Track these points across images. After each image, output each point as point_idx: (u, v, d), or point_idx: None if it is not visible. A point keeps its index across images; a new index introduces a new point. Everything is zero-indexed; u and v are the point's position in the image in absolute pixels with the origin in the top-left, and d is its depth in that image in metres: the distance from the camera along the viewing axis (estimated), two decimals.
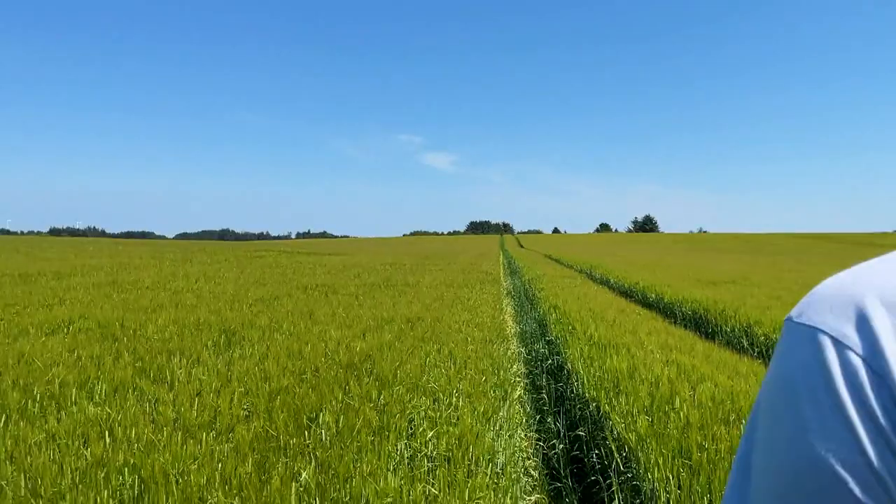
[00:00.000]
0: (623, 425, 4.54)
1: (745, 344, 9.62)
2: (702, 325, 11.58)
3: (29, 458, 3.43)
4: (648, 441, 4.12)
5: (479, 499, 3.24)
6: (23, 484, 3.12)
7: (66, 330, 7.84)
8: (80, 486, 3.05)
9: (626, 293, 17.30)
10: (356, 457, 3.51)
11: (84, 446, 3.66)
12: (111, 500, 2.89)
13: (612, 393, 5.34)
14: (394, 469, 3.46)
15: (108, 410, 4.32)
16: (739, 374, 6.06)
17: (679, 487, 3.57)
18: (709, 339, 9.79)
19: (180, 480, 3.10)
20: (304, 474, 3.18)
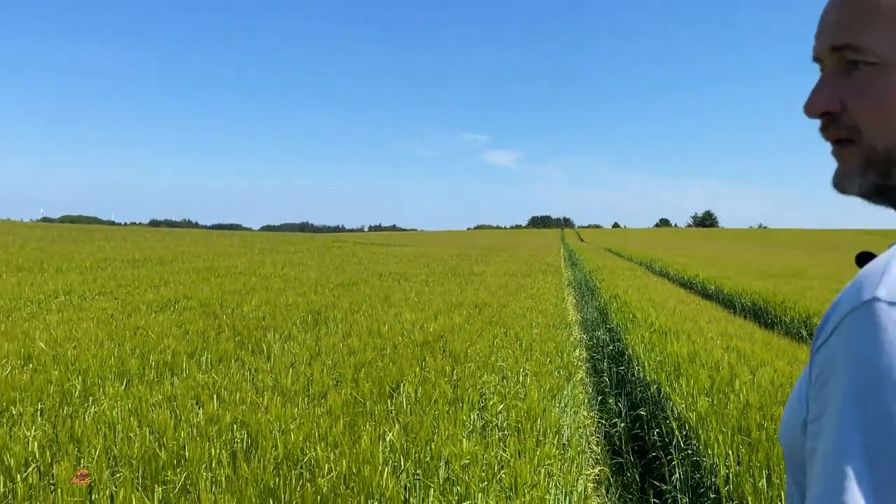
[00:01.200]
0: (684, 405, 4.54)
1: (805, 334, 9.36)
2: (761, 315, 11.31)
3: (151, 415, 3.70)
4: (708, 420, 4.12)
5: (548, 465, 3.32)
6: (148, 436, 3.38)
7: (172, 308, 8.29)
8: (198, 438, 3.28)
9: (686, 285, 16.97)
10: (435, 423, 3.65)
11: (197, 405, 3.93)
12: (223, 451, 3.12)
13: (672, 376, 5.33)
14: (468, 435, 3.58)
15: (215, 377, 4.60)
16: (799, 361, 5.95)
17: (738, 463, 3.57)
18: (768, 328, 9.56)
19: (283, 436, 3.30)
20: (389, 435, 3.34)
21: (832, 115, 0.71)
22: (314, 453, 3.07)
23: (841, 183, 0.72)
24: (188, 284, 11.21)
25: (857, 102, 0.69)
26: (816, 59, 0.75)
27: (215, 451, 3.11)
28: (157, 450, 3.16)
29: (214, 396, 4.09)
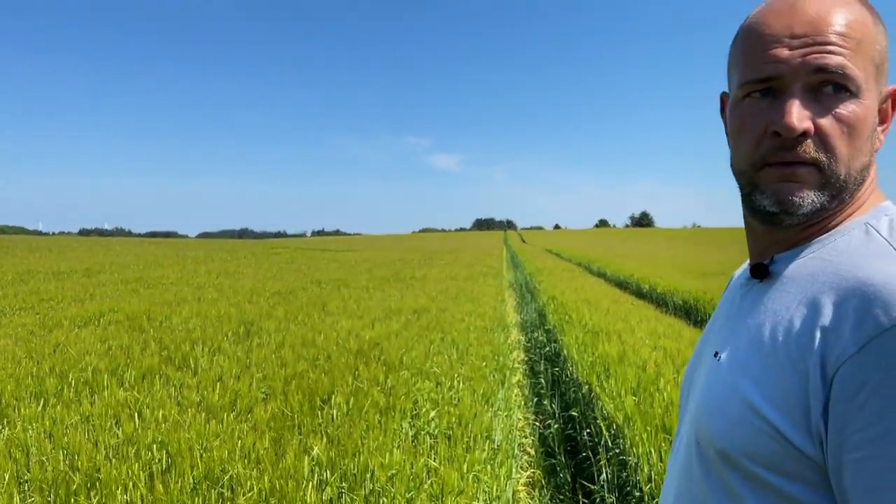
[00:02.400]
0: (612, 405, 4.64)
1: None
2: (692, 313, 11.66)
3: (66, 436, 3.56)
4: (634, 419, 4.23)
5: (476, 471, 3.35)
6: (61, 459, 3.25)
7: (97, 322, 7.99)
8: (114, 460, 3.18)
9: (622, 285, 17.37)
10: (364, 434, 3.63)
11: (116, 426, 3.80)
12: (142, 472, 3.02)
13: (602, 376, 5.44)
14: (399, 445, 3.58)
15: (137, 395, 4.46)
16: None
17: (661, 460, 3.67)
18: (697, 326, 9.87)
19: (204, 455, 3.23)
20: (315, 449, 3.30)
21: (806, 134, 0.73)
22: (236, 471, 3.01)
23: (794, 200, 0.75)
24: (115, 297, 10.83)
25: (832, 127, 0.73)
26: (778, 76, 0.75)
27: (132, 472, 3.02)
28: (71, 473, 3.05)
29: (135, 415, 3.96)
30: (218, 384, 4.65)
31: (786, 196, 0.75)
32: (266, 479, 2.90)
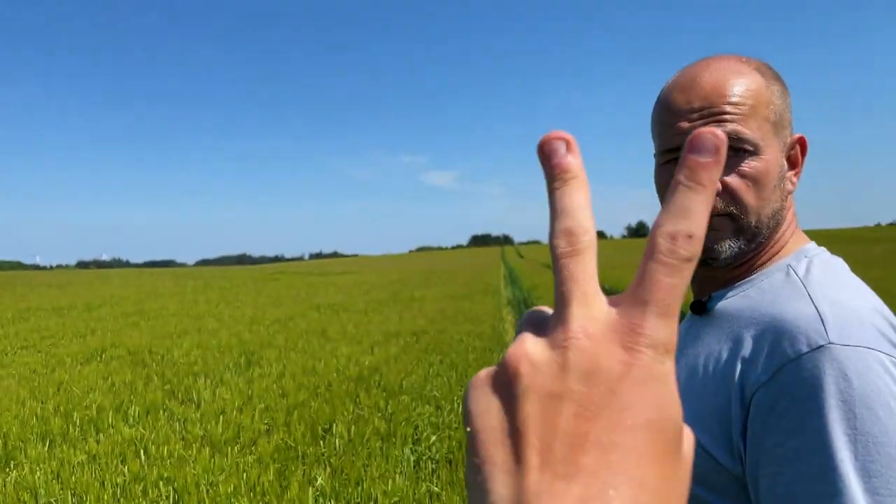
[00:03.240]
0: None
1: None
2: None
3: (73, 477, 3.62)
4: None
5: None
6: (69, 500, 3.31)
7: (99, 358, 8.04)
8: (122, 499, 3.23)
9: None
10: (367, 462, 3.69)
11: (122, 464, 3.85)
12: None
13: None
14: (401, 472, 3.64)
15: (142, 431, 4.51)
16: None
17: None
18: None
19: (210, 490, 3.29)
20: (319, 479, 3.36)
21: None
22: None
23: (714, 248, 0.85)
24: (116, 331, 10.88)
25: (738, 183, 0.84)
26: (682, 145, 0.84)
27: None
28: None
29: (141, 452, 4.02)
30: (221, 417, 4.71)
31: (708, 245, 0.85)
32: None
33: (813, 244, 0.91)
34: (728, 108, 0.84)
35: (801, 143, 0.91)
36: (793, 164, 0.91)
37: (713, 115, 0.84)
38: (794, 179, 0.91)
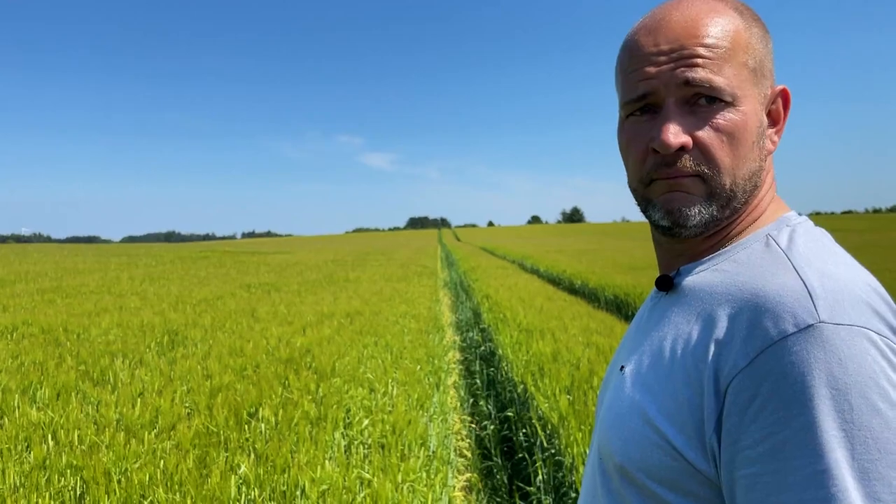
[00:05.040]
0: (547, 405, 4.66)
1: None
2: (622, 308, 11.93)
3: None
4: (568, 419, 4.25)
5: (411, 481, 3.28)
6: None
7: (9, 336, 7.52)
8: (21, 489, 2.96)
9: (555, 281, 17.63)
10: (294, 448, 3.51)
11: (27, 450, 3.55)
12: (53, 502, 2.83)
13: (537, 375, 5.47)
14: (331, 457, 3.48)
15: (52, 414, 4.19)
16: None
17: None
18: (628, 321, 10.09)
19: (122, 480, 3.05)
20: (243, 467, 3.17)
21: (685, 148, 0.72)
22: (156, 496, 2.85)
23: (682, 212, 0.74)
24: (30, 308, 10.24)
25: (711, 137, 0.72)
26: (651, 91, 0.74)
27: (42, 502, 2.81)
28: None
29: (49, 437, 3.72)
30: (139, 400, 4.43)
31: (675, 207, 0.75)
32: (189, 503, 2.75)
33: (794, 212, 0.80)
34: (701, 51, 0.72)
35: (784, 96, 0.79)
36: (774, 119, 0.79)
37: (683, 58, 0.72)
38: (775, 137, 0.79)
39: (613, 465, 0.75)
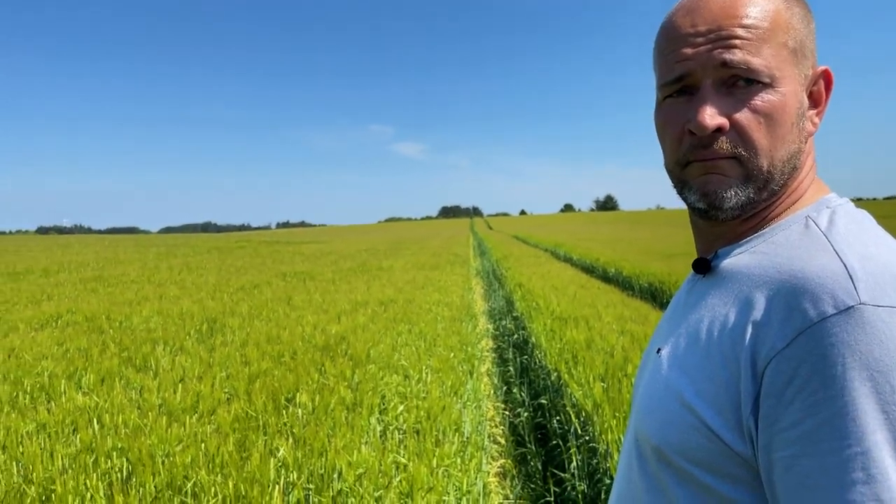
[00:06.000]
0: (581, 393, 4.65)
1: None
2: (657, 296, 11.80)
3: (21, 446, 3.43)
4: (602, 406, 4.24)
5: (446, 466, 3.32)
6: (15, 471, 3.13)
7: (54, 324, 7.76)
8: (70, 470, 3.07)
9: (588, 269, 17.51)
10: (331, 432, 3.57)
11: (74, 434, 3.67)
12: (100, 483, 2.92)
13: (571, 363, 5.46)
14: (367, 442, 3.53)
15: (96, 399, 4.32)
16: None
17: None
18: (663, 309, 9.98)
19: (166, 461, 3.14)
20: (281, 450, 3.24)
21: (721, 130, 0.72)
22: (199, 477, 2.93)
23: (719, 194, 0.74)
24: (73, 297, 10.54)
25: (748, 119, 0.72)
26: (688, 73, 0.74)
27: (90, 483, 2.91)
28: (25, 486, 2.93)
29: (94, 421, 3.84)
30: (180, 385, 4.54)
31: (711, 190, 0.75)
32: (231, 484, 2.82)
33: (834, 194, 0.79)
34: (739, 32, 0.72)
35: (826, 77, 0.78)
36: (815, 101, 0.78)
37: (721, 38, 0.72)
38: (816, 119, 0.78)
39: (650, 448, 0.76)
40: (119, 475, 3.08)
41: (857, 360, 0.58)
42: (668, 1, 0.84)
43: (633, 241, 29.52)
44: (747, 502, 0.67)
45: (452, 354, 5.79)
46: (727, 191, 0.74)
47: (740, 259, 0.76)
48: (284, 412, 3.98)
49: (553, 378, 5.52)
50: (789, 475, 0.61)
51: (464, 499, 3.12)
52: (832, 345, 0.59)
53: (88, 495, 2.81)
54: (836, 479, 0.58)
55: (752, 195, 0.74)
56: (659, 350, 0.81)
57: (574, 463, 4.09)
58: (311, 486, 2.96)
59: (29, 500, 2.81)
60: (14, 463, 3.23)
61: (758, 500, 0.66)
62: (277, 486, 2.83)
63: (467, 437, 3.94)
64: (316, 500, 2.85)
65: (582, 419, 4.42)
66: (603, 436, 3.93)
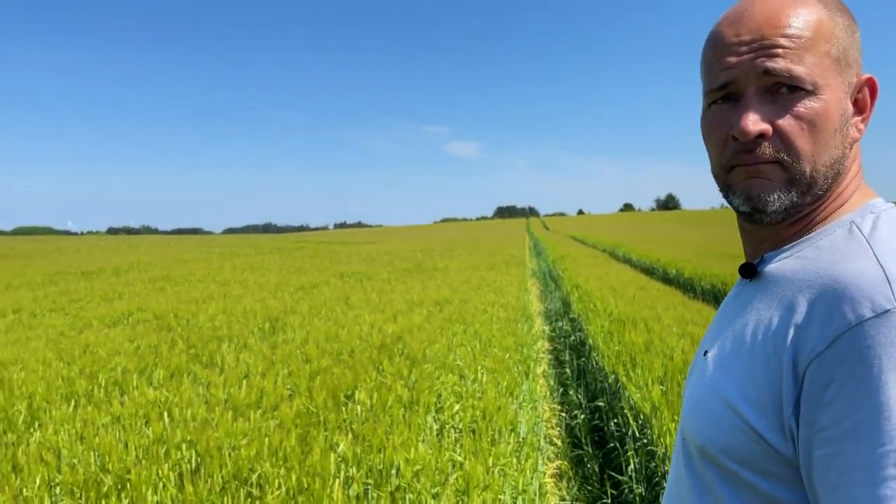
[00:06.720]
0: (639, 395, 4.61)
1: None
2: (720, 297, 11.52)
3: (97, 438, 3.63)
4: (661, 409, 4.20)
5: (502, 465, 3.35)
6: (92, 461, 3.32)
7: (125, 322, 8.14)
8: (144, 461, 3.23)
9: (648, 270, 17.22)
10: (389, 429, 3.65)
11: (146, 426, 3.87)
12: (171, 473, 3.07)
13: (629, 365, 5.41)
14: (423, 440, 3.59)
15: (166, 393, 4.53)
16: None
17: None
18: None
19: (232, 454, 3.27)
20: (341, 446, 3.33)
21: (764, 136, 0.75)
22: (264, 469, 3.05)
23: (762, 198, 0.76)
24: (143, 295, 11.01)
25: (791, 125, 0.74)
26: (732, 81, 0.77)
27: (162, 473, 3.07)
28: (102, 475, 3.11)
29: (164, 414, 4.03)
30: (244, 381, 4.71)
31: (755, 193, 0.77)
32: (293, 477, 2.93)
33: (881, 199, 0.80)
34: (782, 41, 0.74)
35: (871, 84, 0.80)
36: (860, 108, 0.80)
37: (764, 48, 0.75)
38: (861, 126, 0.80)
39: (695, 447, 0.79)
40: (188, 466, 3.23)
41: (893, 361, 0.60)
42: None
43: (695, 242, 28.86)
44: (790, 500, 0.69)
45: (508, 355, 5.81)
46: (770, 194, 0.76)
47: (785, 264, 0.78)
48: (344, 409, 4.09)
49: (610, 380, 5.47)
50: (828, 473, 0.63)
51: (520, 498, 3.15)
52: (869, 347, 0.62)
53: (161, 484, 2.96)
54: (871, 476, 0.60)
55: (795, 199, 0.76)
56: (706, 353, 0.84)
57: (632, 466, 4.06)
58: (370, 480, 3.04)
59: (105, 489, 2.98)
60: (91, 453, 3.42)
61: (800, 499, 0.69)
62: (338, 480, 2.92)
63: (523, 438, 3.96)
64: (375, 494, 2.93)
65: (640, 422, 4.38)
66: (661, 439, 3.89)
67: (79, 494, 2.93)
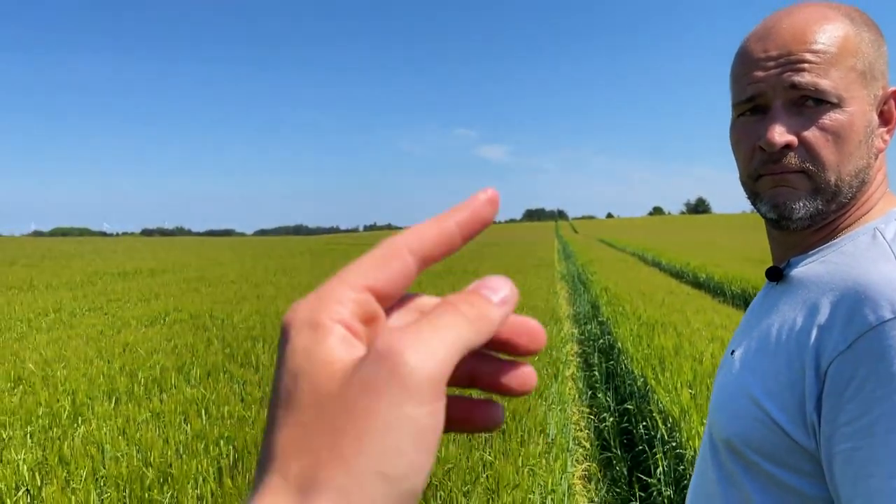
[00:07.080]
0: (668, 399, 4.61)
1: None
2: (750, 301, 11.34)
3: (138, 433, 3.76)
4: (690, 412, 4.20)
5: (531, 465, 3.39)
6: (135, 455, 3.44)
7: (162, 321, 8.33)
8: (184, 455, 3.34)
9: (677, 274, 17.05)
10: None
11: (185, 422, 3.98)
12: (211, 467, 3.18)
13: (658, 369, 5.40)
14: (453, 439, 3.65)
15: (203, 391, 4.65)
16: None
17: None
18: None
19: None
20: None
21: (790, 146, 0.79)
22: None
23: (788, 205, 0.80)
24: (178, 296, 11.25)
25: (816, 137, 0.78)
26: (759, 94, 0.81)
27: (202, 467, 3.17)
28: (144, 469, 3.22)
29: (202, 411, 4.15)
30: None
31: (781, 201, 0.80)
32: None
33: None
34: (808, 56, 0.77)
35: None
36: (886, 119, 0.83)
37: (791, 63, 0.78)
38: (887, 136, 0.83)
39: (721, 441, 0.83)
40: (227, 461, 3.33)
41: None
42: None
43: (726, 246, 28.48)
44: (812, 493, 0.73)
45: (537, 357, 5.84)
46: (796, 202, 0.79)
47: (811, 268, 0.81)
48: None
49: (639, 384, 5.47)
50: (848, 467, 0.67)
51: (549, 497, 3.19)
52: (889, 346, 0.65)
53: (201, 478, 3.06)
54: (888, 469, 0.63)
55: (820, 206, 0.79)
56: (733, 352, 0.88)
57: (660, 468, 4.06)
58: None
59: (148, 482, 3.09)
60: (134, 448, 3.54)
61: (821, 492, 0.72)
62: None
63: (552, 439, 4.00)
64: None
65: (669, 425, 4.38)
66: (690, 442, 3.89)
67: (123, 487, 3.04)
